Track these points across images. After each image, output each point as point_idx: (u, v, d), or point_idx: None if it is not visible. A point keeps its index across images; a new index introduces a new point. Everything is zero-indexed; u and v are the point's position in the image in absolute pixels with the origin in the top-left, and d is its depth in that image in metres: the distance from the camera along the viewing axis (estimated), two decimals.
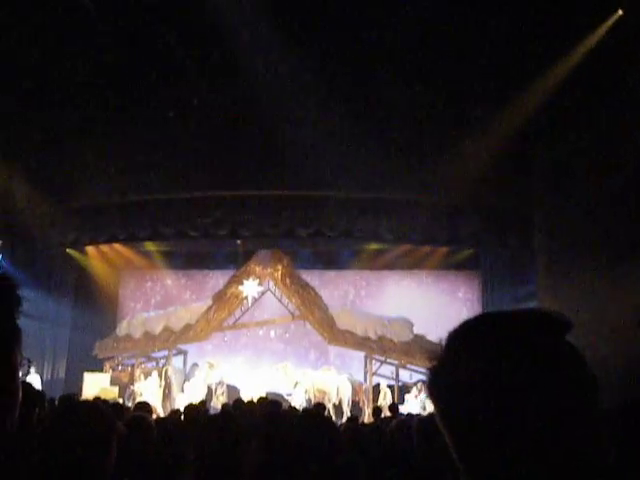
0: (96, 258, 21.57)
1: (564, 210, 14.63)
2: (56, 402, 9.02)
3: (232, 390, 18.02)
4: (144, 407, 7.21)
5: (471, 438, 0.98)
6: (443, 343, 1.10)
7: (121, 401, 16.05)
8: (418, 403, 16.75)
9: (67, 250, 20.38)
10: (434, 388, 1.07)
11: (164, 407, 17.35)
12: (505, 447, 0.95)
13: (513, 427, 0.95)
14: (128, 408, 7.01)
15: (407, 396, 17.51)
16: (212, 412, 12.43)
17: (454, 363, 1.04)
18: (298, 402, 16.47)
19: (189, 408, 7.76)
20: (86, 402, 3.48)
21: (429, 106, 14.78)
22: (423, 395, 17.24)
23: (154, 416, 12.57)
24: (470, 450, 0.99)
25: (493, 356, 0.99)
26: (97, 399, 9.71)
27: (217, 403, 16.59)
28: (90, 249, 20.96)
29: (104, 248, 21.07)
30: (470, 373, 0.99)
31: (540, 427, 0.94)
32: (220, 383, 17.98)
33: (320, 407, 9.13)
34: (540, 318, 1.06)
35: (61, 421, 2.10)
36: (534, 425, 0.94)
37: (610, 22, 12.68)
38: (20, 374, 1.08)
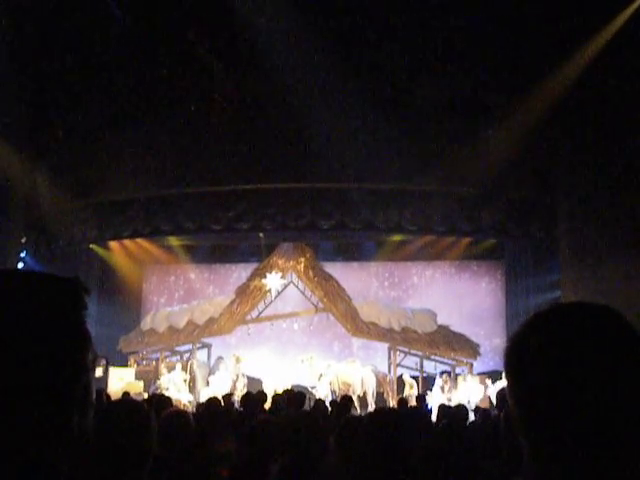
0: (120, 253, 21.65)
1: (588, 198, 14.50)
2: None
3: (256, 383, 18.07)
4: (164, 401, 7.24)
5: (548, 413, 1.06)
6: (526, 323, 1.16)
7: (146, 395, 16.15)
8: (443, 394, 16.71)
9: (91, 246, 20.47)
10: (517, 362, 1.13)
11: (190, 401, 17.42)
12: (581, 423, 1.03)
13: (591, 406, 1.03)
14: (167, 403, 7.02)
15: (432, 387, 17.48)
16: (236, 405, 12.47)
17: (543, 341, 1.10)
18: (323, 394, 16.47)
19: (212, 401, 7.79)
20: (126, 401, 3.48)
21: (451, 96, 14.71)
22: (448, 386, 17.22)
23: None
24: (542, 424, 1.07)
25: (582, 340, 1.08)
26: (126, 394, 9.79)
27: (238, 396, 16.63)
28: (113, 244, 21.04)
29: (127, 243, 21.14)
30: (559, 352, 1.07)
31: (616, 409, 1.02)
32: (241, 376, 18.03)
33: (347, 399, 9.14)
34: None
35: (106, 420, 2.12)
36: (611, 406, 1.02)
37: (634, 6, 12.56)
38: (99, 372, 1.11)
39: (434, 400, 15.72)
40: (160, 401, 7.19)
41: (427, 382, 18.66)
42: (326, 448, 2.93)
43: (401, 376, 18.43)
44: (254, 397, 8.14)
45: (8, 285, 1.06)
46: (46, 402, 1.01)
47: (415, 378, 18.44)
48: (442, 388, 17.10)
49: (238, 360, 18.57)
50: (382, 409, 3.70)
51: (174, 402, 8.52)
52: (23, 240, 18.44)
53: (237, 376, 18.11)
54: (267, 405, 9.00)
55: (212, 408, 7.29)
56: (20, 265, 18.30)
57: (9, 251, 17.30)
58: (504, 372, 1.19)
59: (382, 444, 2.77)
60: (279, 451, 2.89)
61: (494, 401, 10.33)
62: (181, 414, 4.47)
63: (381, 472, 2.72)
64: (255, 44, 13.17)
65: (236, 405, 12.03)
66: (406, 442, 2.72)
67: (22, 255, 18.51)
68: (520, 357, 1.13)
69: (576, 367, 1.05)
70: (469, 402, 15.19)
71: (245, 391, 16.52)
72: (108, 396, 10.04)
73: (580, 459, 1.03)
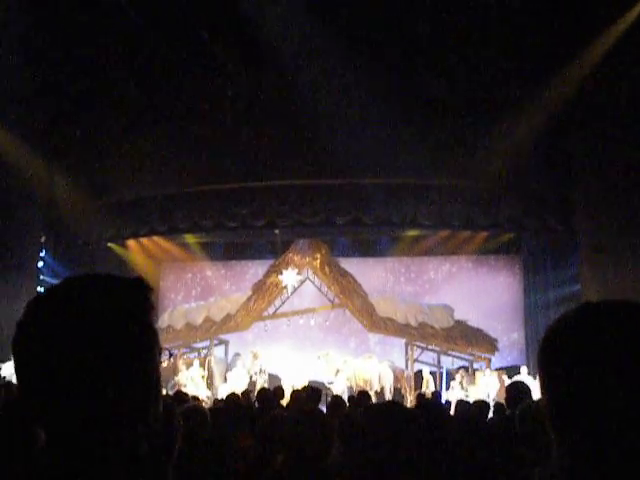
0: (136, 251, 21.75)
1: (606, 190, 14.40)
2: None
3: (273, 379, 18.10)
4: (184, 398, 7.27)
5: (581, 411, 1.09)
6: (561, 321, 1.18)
7: (164, 392, 16.21)
8: (461, 390, 16.68)
9: (108, 244, 20.59)
10: (551, 360, 1.16)
11: (208, 397, 17.49)
12: (613, 422, 1.05)
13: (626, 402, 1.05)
14: (185, 399, 7.07)
15: (452, 383, 17.44)
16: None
17: (577, 340, 1.12)
18: (339, 390, 16.47)
19: (229, 397, 7.81)
20: None
21: (467, 91, 14.64)
22: (465, 381, 17.17)
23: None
24: (575, 422, 1.10)
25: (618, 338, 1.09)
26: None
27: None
28: (130, 242, 21.14)
29: (144, 241, 21.24)
30: (593, 350, 1.09)
31: None
32: (262, 372, 18.07)
33: (364, 395, 9.13)
34: None
35: None
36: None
37: None
38: (164, 364, 1.19)
39: (452, 396, 15.70)
40: (178, 397, 7.22)
41: (445, 378, 18.63)
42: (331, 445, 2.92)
43: (420, 372, 18.40)
44: (270, 393, 8.16)
45: (91, 290, 1.14)
46: (126, 394, 1.09)
47: (432, 374, 18.40)
48: (460, 383, 17.06)
49: (256, 356, 18.62)
50: (381, 403, 3.69)
51: (192, 398, 8.56)
52: (42, 239, 18.59)
53: (258, 372, 18.15)
54: (285, 401, 9.02)
55: (231, 404, 7.32)
56: (40, 264, 18.44)
57: (29, 250, 17.45)
58: (538, 369, 1.20)
59: (378, 437, 2.76)
60: (286, 445, 2.88)
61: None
62: (198, 410, 4.50)
63: (379, 466, 2.72)
64: (269, 40, 13.18)
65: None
66: (409, 435, 2.70)
67: (42, 254, 18.65)
68: (554, 355, 1.16)
69: (610, 366, 1.07)
70: (488, 397, 15.13)
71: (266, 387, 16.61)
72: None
73: (612, 457, 1.05)
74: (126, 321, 1.11)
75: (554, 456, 1.13)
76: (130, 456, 1.09)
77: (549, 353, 1.17)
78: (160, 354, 1.19)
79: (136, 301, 1.15)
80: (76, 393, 1.05)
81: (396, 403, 3.16)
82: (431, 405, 5.36)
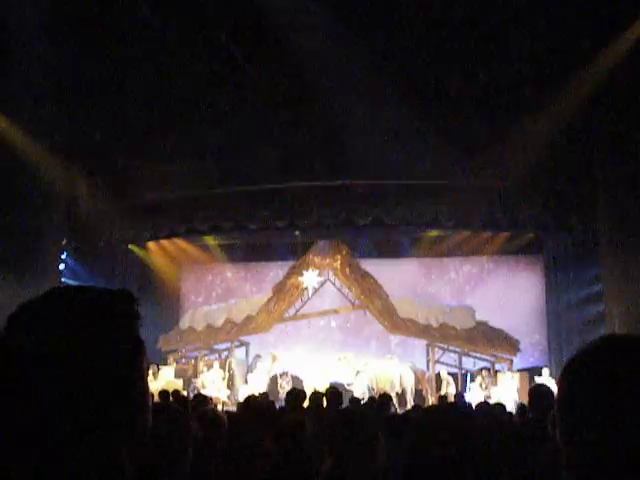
0: (157, 253, 21.86)
1: (628, 190, 14.25)
2: None
3: (294, 380, 18.09)
4: (203, 400, 7.27)
5: (597, 448, 1.06)
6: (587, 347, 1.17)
7: (185, 393, 16.27)
8: (483, 391, 16.59)
9: (129, 246, 20.70)
10: (569, 396, 1.14)
11: (229, 398, 17.52)
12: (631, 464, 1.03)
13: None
14: (205, 401, 7.08)
15: (472, 384, 17.35)
16: (277, 403, 12.51)
17: (596, 376, 1.10)
18: (359, 392, 16.43)
19: (251, 399, 7.80)
20: (160, 405, 3.50)
21: (487, 89, 14.55)
22: (485, 383, 17.07)
23: (219, 407, 12.69)
24: (589, 458, 1.08)
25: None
26: (165, 392, 9.86)
27: (282, 393, 16.68)
28: (151, 244, 21.25)
29: (165, 243, 21.34)
30: (612, 388, 1.07)
31: None
32: (284, 373, 18.08)
33: (386, 397, 9.08)
34: None
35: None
36: None
37: None
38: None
39: (473, 397, 15.60)
40: (197, 400, 7.23)
41: (466, 379, 18.54)
42: (371, 447, 2.88)
43: (438, 373, 18.33)
44: (301, 395, 8.11)
45: (72, 301, 1.15)
46: (110, 405, 1.09)
47: (454, 375, 18.31)
48: (481, 385, 16.97)
49: (275, 358, 18.65)
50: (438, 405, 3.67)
51: (213, 400, 8.56)
52: (64, 242, 18.68)
53: (280, 374, 18.16)
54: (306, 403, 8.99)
55: (252, 406, 7.31)
56: (61, 266, 18.55)
57: (50, 252, 17.54)
58: (556, 404, 1.18)
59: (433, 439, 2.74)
60: (334, 449, 2.84)
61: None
62: (214, 414, 4.48)
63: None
64: (288, 41, 13.16)
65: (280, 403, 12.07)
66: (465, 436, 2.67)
67: (63, 256, 18.76)
68: (572, 391, 1.14)
69: (629, 404, 1.05)
70: (510, 399, 15.03)
71: (289, 389, 16.59)
72: (152, 395, 10.12)
73: None
74: (110, 330, 1.12)
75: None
76: (113, 474, 1.08)
77: (570, 385, 1.15)
78: (147, 365, 1.19)
79: (121, 311, 1.15)
80: (54, 404, 1.05)
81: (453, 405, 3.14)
82: (458, 408, 5.31)
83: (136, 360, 1.14)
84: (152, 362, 18.83)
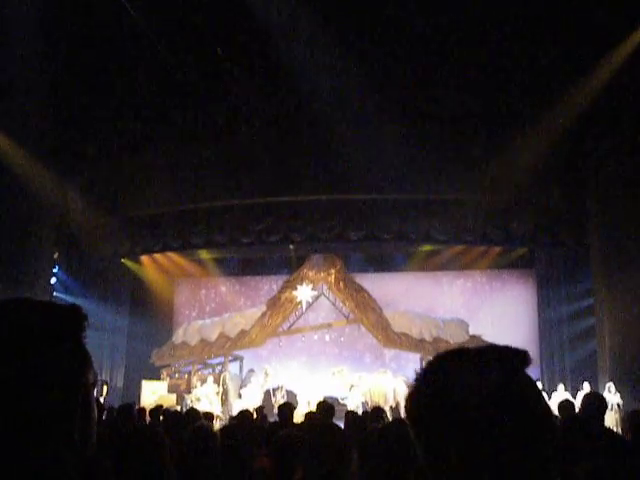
0: (151, 267, 21.82)
1: (619, 205, 14.34)
2: (114, 412, 9.16)
3: (289, 394, 18.07)
4: (193, 414, 7.26)
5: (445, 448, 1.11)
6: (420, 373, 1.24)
7: (179, 408, 16.22)
8: None
9: (122, 260, 20.66)
10: (416, 411, 1.19)
11: (223, 413, 17.47)
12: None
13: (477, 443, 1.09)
14: (198, 415, 7.08)
15: None
16: (271, 417, 12.47)
17: (433, 392, 1.17)
18: (353, 405, 16.41)
19: (243, 414, 7.78)
20: (138, 427, 3.50)
21: (479, 105, 14.64)
22: None
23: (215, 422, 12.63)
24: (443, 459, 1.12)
25: (465, 388, 1.13)
26: (160, 407, 9.82)
27: (277, 409, 16.64)
28: (145, 258, 21.21)
29: (158, 257, 21.31)
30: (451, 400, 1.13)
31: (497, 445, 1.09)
32: (279, 388, 18.05)
33: (379, 411, 9.07)
34: (502, 354, 1.21)
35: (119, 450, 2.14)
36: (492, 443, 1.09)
37: None
38: (95, 393, 1.19)
39: None
40: (190, 415, 7.21)
41: None
42: (349, 461, 2.91)
43: None
44: (292, 409, 8.10)
45: (15, 313, 1.16)
46: (49, 417, 1.09)
47: None
48: None
49: (267, 374, 18.62)
50: (395, 421, 3.69)
51: (204, 415, 8.53)
52: (55, 255, 18.62)
53: (275, 389, 18.13)
54: (297, 418, 8.97)
55: (244, 421, 7.29)
56: (53, 280, 18.50)
57: (42, 266, 17.47)
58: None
59: (393, 457, 2.77)
60: (300, 464, 2.86)
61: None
62: (206, 429, 4.48)
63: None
64: (283, 58, 13.23)
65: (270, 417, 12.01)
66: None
67: (55, 270, 18.70)
68: (416, 410, 1.19)
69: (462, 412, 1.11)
70: None
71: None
72: (143, 410, 10.09)
73: None
74: (53, 340, 1.13)
75: None
76: None
77: (412, 411, 1.19)
78: (94, 379, 1.20)
79: (66, 322, 1.17)
80: None
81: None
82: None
83: (79, 373, 1.15)
84: (148, 377, 18.83)
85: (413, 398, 1.20)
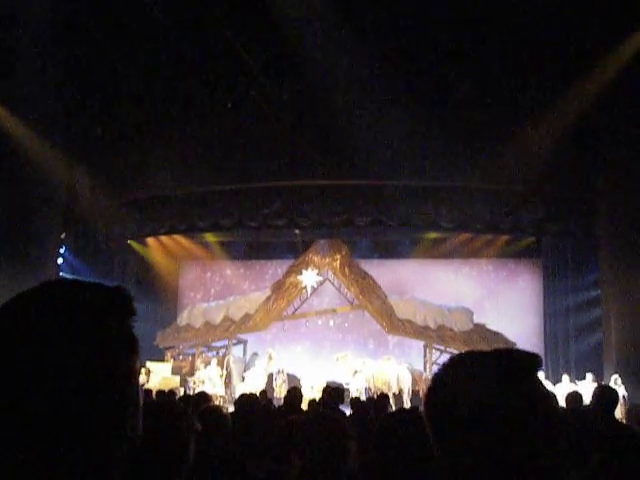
0: (157, 249, 21.83)
1: (628, 195, 14.29)
2: None
3: (292, 379, 18.09)
4: (204, 398, 7.25)
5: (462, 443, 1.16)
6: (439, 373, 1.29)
7: (182, 390, 16.28)
8: None
9: (128, 242, 20.68)
10: (433, 411, 1.24)
11: (226, 395, 17.52)
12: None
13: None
14: (206, 399, 7.09)
15: None
16: (274, 401, 12.50)
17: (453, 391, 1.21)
18: (357, 391, 16.44)
19: (245, 397, 7.77)
20: (161, 400, 3.49)
21: (489, 93, 14.56)
22: None
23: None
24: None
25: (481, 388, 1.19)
26: (171, 393, 9.84)
27: (278, 392, 16.70)
28: (151, 240, 21.22)
29: (164, 239, 21.31)
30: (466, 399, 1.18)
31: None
32: (280, 372, 18.06)
33: (384, 398, 9.08)
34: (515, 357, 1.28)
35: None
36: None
37: None
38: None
39: None
40: (200, 398, 7.21)
41: None
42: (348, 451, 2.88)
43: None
44: (298, 394, 8.09)
45: (64, 295, 1.10)
46: (101, 405, 1.05)
47: None
48: None
49: (270, 357, 18.63)
50: (396, 411, 3.65)
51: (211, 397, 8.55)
52: (62, 236, 18.66)
53: (277, 372, 18.15)
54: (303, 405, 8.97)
55: (250, 405, 7.29)
56: (59, 260, 18.55)
57: (49, 247, 17.54)
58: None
59: (393, 448, 2.74)
60: (301, 451, 2.84)
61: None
62: (217, 411, 4.47)
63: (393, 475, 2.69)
64: (292, 41, 13.16)
65: (275, 402, 12.06)
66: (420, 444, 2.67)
67: (61, 251, 18.75)
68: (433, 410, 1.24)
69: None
70: None
71: (285, 387, 16.58)
72: (149, 392, 10.13)
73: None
74: (103, 327, 1.09)
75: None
76: (102, 474, 1.06)
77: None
78: (140, 365, 1.17)
79: (116, 308, 1.13)
80: (41, 400, 1.01)
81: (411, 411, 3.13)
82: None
83: (128, 359, 1.12)
84: (153, 359, 18.89)
85: (430, 399, 1.24)
